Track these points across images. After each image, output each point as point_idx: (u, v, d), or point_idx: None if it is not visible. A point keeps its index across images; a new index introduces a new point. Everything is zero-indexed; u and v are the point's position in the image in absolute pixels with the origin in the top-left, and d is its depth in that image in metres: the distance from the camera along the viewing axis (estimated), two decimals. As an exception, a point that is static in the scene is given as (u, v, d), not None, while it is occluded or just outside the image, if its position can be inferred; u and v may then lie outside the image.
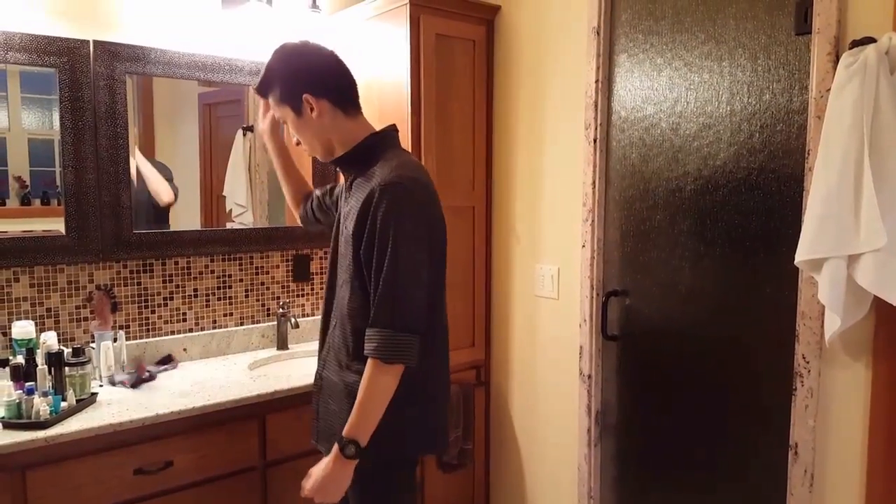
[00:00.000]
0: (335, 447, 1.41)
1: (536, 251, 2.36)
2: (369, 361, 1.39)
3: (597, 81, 2.08)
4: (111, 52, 2.10)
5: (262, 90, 1.58)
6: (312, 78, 1.51)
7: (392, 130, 1.59)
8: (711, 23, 1.79)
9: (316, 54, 1.54)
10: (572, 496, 2.26)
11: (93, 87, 2.08)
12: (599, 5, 2.04)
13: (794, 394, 1.62)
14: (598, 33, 2.06)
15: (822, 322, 1.52)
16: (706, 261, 1.84)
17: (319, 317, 1.66)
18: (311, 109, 1.50)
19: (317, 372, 1.64)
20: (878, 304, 1.43)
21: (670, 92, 1.89)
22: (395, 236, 1.37)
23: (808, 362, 1.59)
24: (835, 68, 1.45)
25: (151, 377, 2.08)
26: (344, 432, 1.40)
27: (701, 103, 1.82)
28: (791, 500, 1.64)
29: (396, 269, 1.38)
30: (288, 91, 1.52)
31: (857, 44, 1.42)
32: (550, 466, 2.36)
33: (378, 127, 1.61)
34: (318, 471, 1.44)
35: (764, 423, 1.72)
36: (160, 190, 2.28)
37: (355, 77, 1.59)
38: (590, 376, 2.17)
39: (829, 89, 1.44)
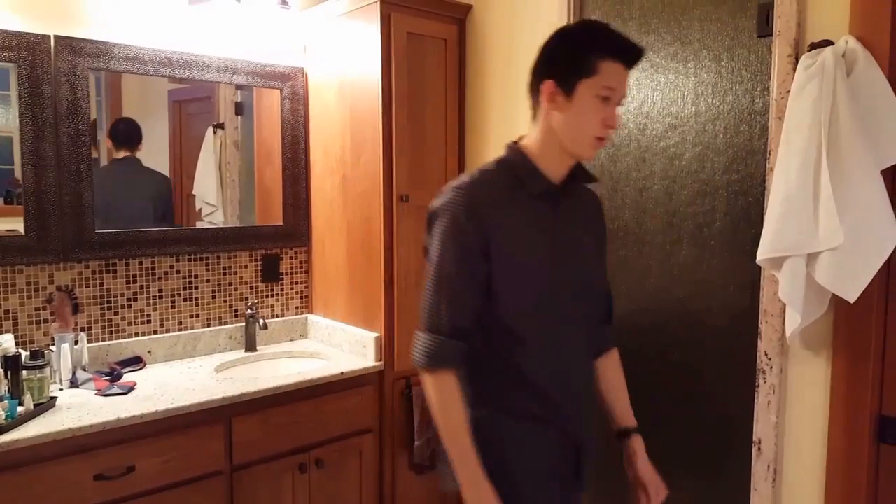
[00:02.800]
0: None
1: (507, 251, 2.35)
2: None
3: (566, 82, 2.08)
4: (73, 48, 2.05)
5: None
6: None
7: None
8: (677, 24, 1.81)
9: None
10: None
11: (54, 82, 2.03)
12: (569, 6, 2.06)
13: (757, 390, 1.64)
14: (566, 34, 2.06)
15: (784, 320, 1.54)
16: (672, 260, 1.86)
17: None
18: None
19: None
20: (837, 302, 1.46)
21: (637, 93, 1.91)
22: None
23: (770, 359, 1.61)
24: (794, 70, 1.47)
25: (119, 376, 2.04)
26: None
27: (667, 104, 1.84)
28: (755, 496, 1.67)
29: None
30: None
31: (815, 46, 1.44)
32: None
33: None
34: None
35: (728, 419, 1.74)
36: None
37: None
38: (559, 375, 2.17)
39: (790, 91, 1.46)
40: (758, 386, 1.64)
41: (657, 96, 1.86)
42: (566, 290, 1.34)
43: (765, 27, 1.61)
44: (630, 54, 1.28)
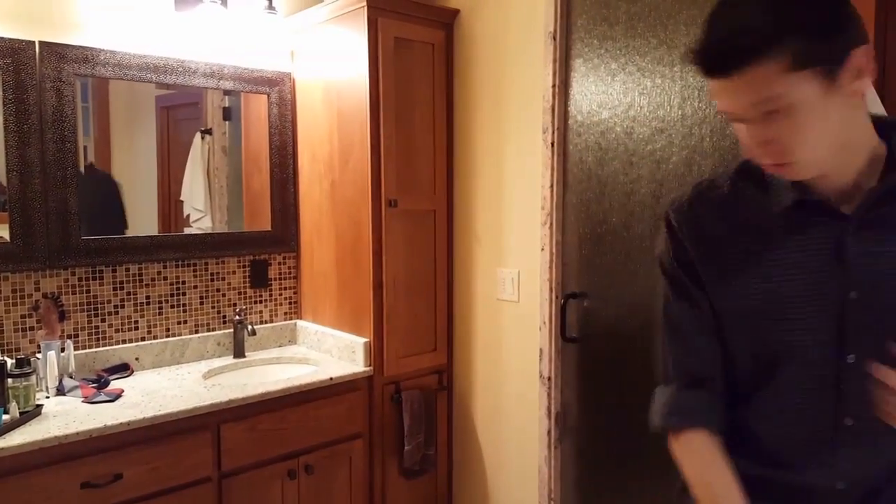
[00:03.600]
0: None
1: (498, 255, 2.36)
2: None
3: (554, 86, 2.09)
4: (58, 54, 2.04)
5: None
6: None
7: None
8: (663, 28, 1.82)
9: None
10: (534, 499, 2.26)
11: (39, 89, 2.01)
12: (556, 11, 2.06)
13: (745, 393, 1.65)
14: (554, 38, 2.07)
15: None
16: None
17: None
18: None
19: None
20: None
21: (624, 96, 1.92)
22: None
23: (757, 362, 1.62)
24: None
25: (106, 383, 2.02)
26: None
27: (654, 107, 1.85)
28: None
29: None
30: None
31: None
32: (513, 469, 2.36)
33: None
34: None
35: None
36: None
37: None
38: (549, 378, 2.17)
39: (774, 94, 1.47)
40: (746, 388, 1.64)
41: (644, 100, 1.87)
42: None
43: (749, 31, 1.62)
44: (705, 60, 0.83)
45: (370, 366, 2.27)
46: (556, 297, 2.15)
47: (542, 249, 2.17)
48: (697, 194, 1.02)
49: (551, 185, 2.13)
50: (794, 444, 0.96)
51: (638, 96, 1.88)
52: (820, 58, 0.78)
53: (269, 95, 2.50)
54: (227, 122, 2.50)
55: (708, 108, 1.73)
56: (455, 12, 2.41)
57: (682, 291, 1.02)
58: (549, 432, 2.19)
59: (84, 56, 2.09)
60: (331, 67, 2.37)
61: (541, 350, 2.20)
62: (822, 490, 0.94)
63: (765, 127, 0.82)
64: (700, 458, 0.99)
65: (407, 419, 2.31)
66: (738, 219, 0.97)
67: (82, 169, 2.14)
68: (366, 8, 2.16)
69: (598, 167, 2.01)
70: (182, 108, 2.44)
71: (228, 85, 2.41)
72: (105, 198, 2.26)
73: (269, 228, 2.54)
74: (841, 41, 0.80)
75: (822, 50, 0.79)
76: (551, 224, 2.13)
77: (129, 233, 2.24)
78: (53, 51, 2.03)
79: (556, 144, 2.11)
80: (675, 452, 1.02)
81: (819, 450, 0.94)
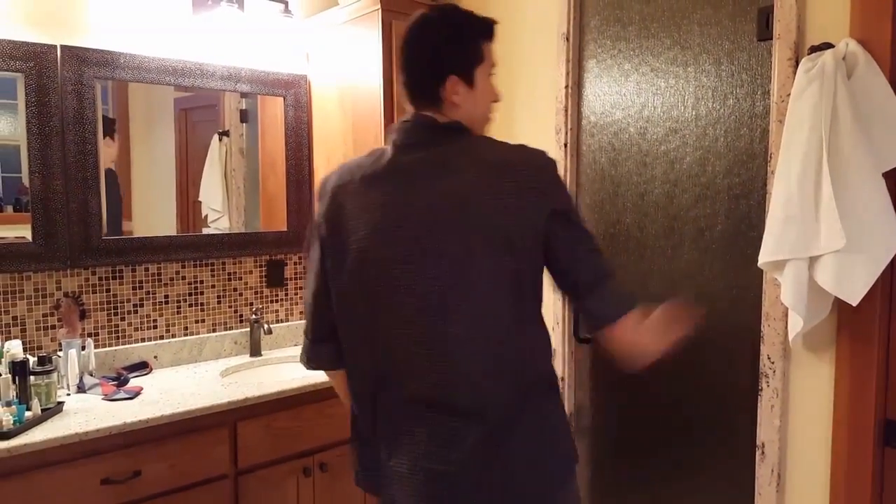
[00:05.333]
0: None
1: (510, 255, 2.36)
2: None
3: (567, 87, 2.09)
4: (79, 57, 2.08)
5: None
6: None
7: None
8: (677, 29, 1.81)
9: None
10: (547, 499, 2.26)
11: (60, 92, 2.05)
12: (569, 11, 2.06)
13: (760, 394, 1.64)
14: (567, 39, 2.07)
15: (786, 323, 1.54)
16: (673, 264, 1.86)
17: None
18: None
19: None
20: (840, 305, 1.45)
21: (637, 97, 1.91)
22: None
23: (773, 363, 1.61)
24: (795, 73, 1.47)
25: (125, 380, 2.06)
26: None
27: (667, 108, 1.84)
28: (759, 501, 1.66)
29: None
30: None
31: (815, 49, 1.45)
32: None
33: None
34: None
35: (731, 423, 1.74)
36: None
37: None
38: (563, 379, 2.17)
39: (790, 94, 1.47)
40: (761, 390, 1.64)
41: (657, 101, 1.87)
42: None
43: (765, 30, 1.62)
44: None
45: (384, 365, 2.28)
46: (570, 298, 2.15)
47: (556, 250, 2.16)
48: None
49: (565, 186, 2.12)
50: None
51: (651, 97, 1.88)
52: None
53: (285, 98, 2.53)
54: (244, 124, 2.53)
55: (722, 109, 1.72)
56: (469, 14, 2.41)
57: None
58: (562, 433, 2.19)
59: (104, 59, 2.12)
60: (345, 70, 2.39)
61: (554, 350, 2.19)
62: None
63: None
64: None
65: (421, 418, 2.32)
66: None
67: (102, 170, 2.17)
68: (380, 11, 2.18)
69: (611, 168, 2.01)
70: (199, 109, 2.47)
71: (245, 87, 2.44)
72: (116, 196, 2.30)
73: (286, 229, 2.57)
74: None
75: None
76: (565, 224, 2.13)
77: (135, 229, 2.26)
78: (74, 54, 2.07)
79: (569, 145, 2.11)
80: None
81: None
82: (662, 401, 1.90)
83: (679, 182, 1.83)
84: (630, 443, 2.01)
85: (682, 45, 1.80)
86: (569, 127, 2.10)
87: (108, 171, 2.21)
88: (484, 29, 1.23)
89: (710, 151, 1.75)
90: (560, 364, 2.17)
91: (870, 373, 1.45)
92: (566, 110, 2.10)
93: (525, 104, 2.26)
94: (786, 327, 1.56)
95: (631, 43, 1.92)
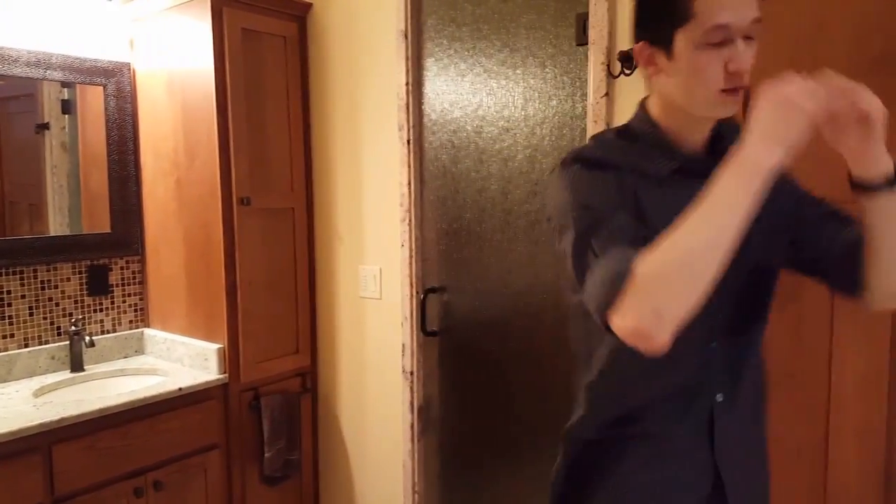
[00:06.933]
0: None
1: (359, 252, 2.34)
2: None
3: (407, 84, 2.11)
4: None
5: None
6: None
7: None
8: (506, 32, 1.89)
9: None
10: (399, 492, 2.28)
11: None
12: (405, 9, 2.08)
13: (587, 376, 1.75)
14: (405, 36, 2.09)
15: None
16: (510, 256, 1.94)
17: None
18: None
19: None
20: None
21: (473, 96, 1.97)
22: None
23: (596, 346, 1.73)
24: (608, 77, 1.59)
25: None
26: None
27: (500, 108, 1.92)
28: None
29: None
30: None
31: (623, 54, 1.57)
32: (378, 466, 2.36)
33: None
34: None
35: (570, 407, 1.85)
36: None
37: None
38: (412, 373, 2.20)
39: (604, 95, 1.58)
40: (587, 372, 1.75)
41: (491, 101, 1.93)
42: None
43: (582, 36, 1.73)
44: None
45: (225, 373, 2.17)
46: (417, 293, 2.17)
47: (402, 246, 2.18)
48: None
49: (409, 182, 2.14)
50: None
51: (486, 97, 1.95)
52: None
53: (105, 87, 2.31)
54: (66, 116, 2.29)
55: (547, 110, 1.82)
56: (308, 6, 2.36)
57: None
58: (412, 426, 2.21)
59: None
60: (174, 58, 2.23)
61: (403, 345, 2.21)
62: None
63: (746, 48, 0.89)
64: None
65: (266, 426, 2.24)
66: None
67: None
68: (210, -2, 2.06)
69: (452, 164, 2.06)
70: (13, 100, 2.20)
71: (57, 75, 2.20)
72: None
73: (109, 230, 2.35)
74: None
75: None
76: (410, 220, 2.15)
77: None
78: None
79: (411, 142, 2.13)
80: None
81: None
82: (508, 388, 1.98)
83: (512, 179, 1.91)
84: (478, 431, 2.08)
85: (512, 47, 1.88)
86: (411, 124, 2.12)
87: None
88: None
89: (538, 150, 1.85)
90: (409, 358, 2.19)
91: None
92: (408, 107, 2.11)
93: (368, 100, 2.25)
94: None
95: (465, 43, 1.98)
